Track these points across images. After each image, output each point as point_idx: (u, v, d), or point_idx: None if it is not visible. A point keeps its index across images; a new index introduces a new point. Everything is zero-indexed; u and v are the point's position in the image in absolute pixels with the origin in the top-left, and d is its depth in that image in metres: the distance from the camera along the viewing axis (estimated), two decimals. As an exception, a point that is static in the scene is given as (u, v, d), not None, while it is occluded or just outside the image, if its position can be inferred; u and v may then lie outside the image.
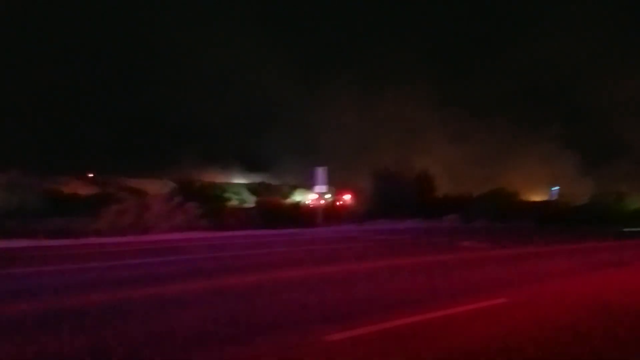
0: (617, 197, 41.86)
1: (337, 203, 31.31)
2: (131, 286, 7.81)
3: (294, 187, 34.26)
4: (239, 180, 36.01)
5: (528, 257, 12.89)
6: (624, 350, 4.95)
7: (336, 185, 31.09)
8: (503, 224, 27.34)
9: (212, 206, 23.20)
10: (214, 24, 38.20)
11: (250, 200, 30.40)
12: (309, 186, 30.34)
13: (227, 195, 29.38)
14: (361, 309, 6.44)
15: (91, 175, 28.25)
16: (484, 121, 41.65)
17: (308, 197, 31.19)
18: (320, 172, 27.52)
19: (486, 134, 42.19)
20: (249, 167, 37.72)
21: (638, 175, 44.40)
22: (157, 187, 25.55)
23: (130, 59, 34.47)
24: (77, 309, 6.24)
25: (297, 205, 29.76)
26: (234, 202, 28.91)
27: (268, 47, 37.78)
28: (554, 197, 44.30)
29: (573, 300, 7.36)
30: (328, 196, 29.22)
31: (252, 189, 33.32)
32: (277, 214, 24.69)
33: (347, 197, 31.67)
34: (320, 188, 27.77)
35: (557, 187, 45.98)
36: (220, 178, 34.30)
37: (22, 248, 13.65)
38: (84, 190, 23.82)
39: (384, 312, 6.15)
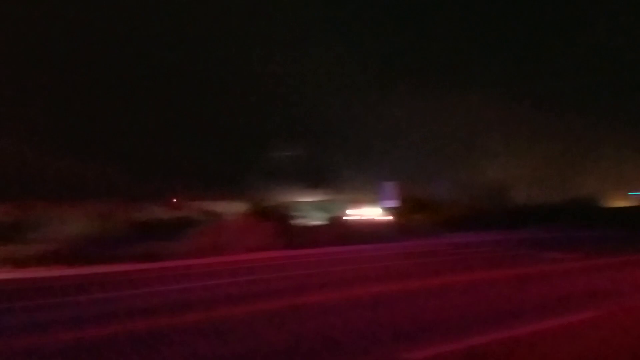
0: None
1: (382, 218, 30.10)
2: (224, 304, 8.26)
3: (360, 203, 34.23)
4: (306, 198, 36.45)
5: (620, 267, 12.12)
6: None
7: (406, 198, 30.67)
8: (589, 232, 25.77)
9: (283, 225, 23.66)
10: (266, 33, 38.67)
11: (318, 218, 30.70)
12: (377, 201, 30.15)
13: (295, 213, 29.85)
14: (439, 326, 6.38)
15: (174, 200, 29.79)
16: (559, 121, 39.58)
17: (366, 212, 30.90)
18: (389, 186, 27.39)
19: (562, 135, 40.05)
20: (315, 184, 38.00)
21: None
22: (228, 209, 26.44)
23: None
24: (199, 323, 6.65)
25: (368, 221, 29.66)
26: (302, 220, 29.31)
27: (326, 56, 37.88)
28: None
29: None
30: (378, 211, 28.73)
31: (320, 206, 33.66)
32: (348, 231, 24.75)
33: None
34: (390, 203, 27.59)
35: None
36: (287, 197, 34.86)
37: (106, 273, 14.43)
38: (165, 214, 25.15)
39: (464, 330, 6.06)
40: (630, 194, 44.10)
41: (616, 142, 40.29)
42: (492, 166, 34.92)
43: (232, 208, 27.02)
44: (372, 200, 31.39)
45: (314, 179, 37.68)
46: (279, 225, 23.15)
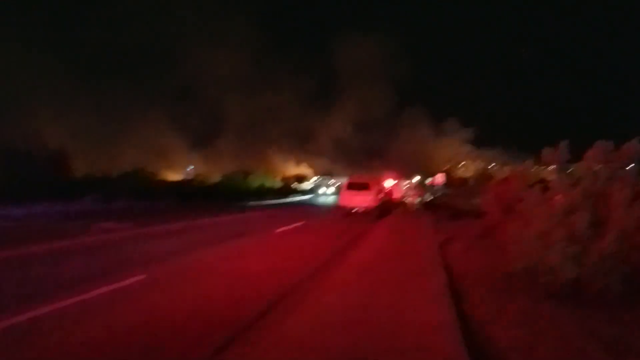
0: (243, 175, 48.69)
1: None
2: None
3: None
4: None
5: (168, 234, 13.68)
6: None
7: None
8: (144, 203, 27.66)
9: None
10: None
11: None
12: None
13: None
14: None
15: None
16: (118, 96, 40.54)
17: None
18: None
19: (117, 111, 41.17)
20: None
21: (255, 153, 52.70)
22: None
23: None
24: None
25: None
26: None
27: None
28: (189, 176, 48.02)
29: (202, 268, 8.45)
30: None
31: None
32: None
33: None
34: None
35: (191, 167, 50.21)
36: None
37: None
38: None
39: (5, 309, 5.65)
40: (187, 168, 50.44)
41: (159, 119, 44.74)
42: (52, 136, 32.30)
43: None
44: None
45: None
46: None
